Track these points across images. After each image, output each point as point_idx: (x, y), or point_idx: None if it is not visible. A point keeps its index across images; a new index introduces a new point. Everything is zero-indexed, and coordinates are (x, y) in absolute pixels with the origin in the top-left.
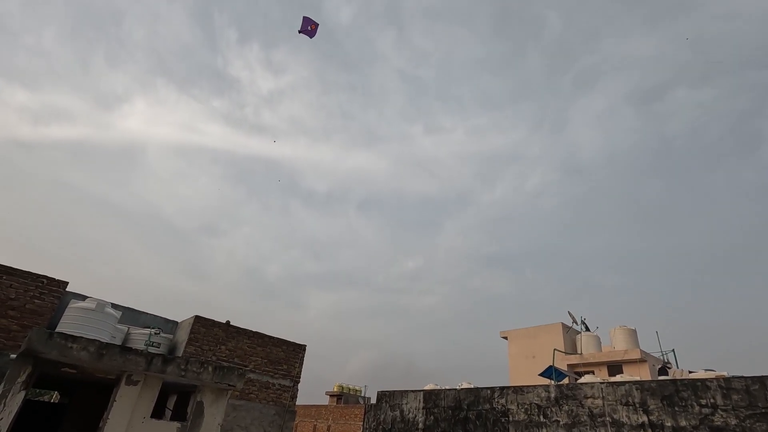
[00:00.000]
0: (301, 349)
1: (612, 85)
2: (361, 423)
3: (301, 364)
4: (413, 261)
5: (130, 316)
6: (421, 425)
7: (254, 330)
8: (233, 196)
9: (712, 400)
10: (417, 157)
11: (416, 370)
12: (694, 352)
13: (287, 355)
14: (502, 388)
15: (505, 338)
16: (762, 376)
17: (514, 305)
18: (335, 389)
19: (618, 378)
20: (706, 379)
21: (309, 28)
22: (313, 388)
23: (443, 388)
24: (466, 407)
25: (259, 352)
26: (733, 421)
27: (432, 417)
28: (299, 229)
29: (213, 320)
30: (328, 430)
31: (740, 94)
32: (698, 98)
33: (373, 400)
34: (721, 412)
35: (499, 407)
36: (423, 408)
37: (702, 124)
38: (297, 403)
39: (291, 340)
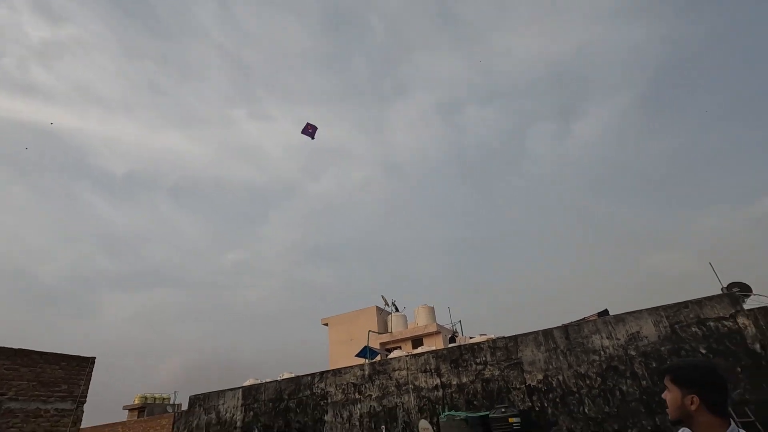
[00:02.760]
0: (87, 362)
1: (423, 95)
2: None
3: (88, 380)
4: (236, 254)
5: None
6: (239, 423)
7: (17, 347)
8: None
9: (484, 358)
10: (241, 143)
11: (239, 367)
12: (477, 319)
13: (68, 373)
14: (322, 373)
15: (326, 325)
16: (516, 336)
17: (337, 295)
18: (136, 401)
19: (419, 350)
20: (480, 343)
21: (309, 130)
22: (113, 404)
23: (264, 381)
24: (287, 397)
25: (25, 373)
26: (497, 372)
27: (251, 413)
28: (88, 219)
29: None
30: None
31: (510, 116)
32: (483, 115)
33: (186, 407)
34: (490, 367)
35: (319, 391)
36: (242, 405)
37: (486, 137)
38: (85, 425)
39: (74, 354)
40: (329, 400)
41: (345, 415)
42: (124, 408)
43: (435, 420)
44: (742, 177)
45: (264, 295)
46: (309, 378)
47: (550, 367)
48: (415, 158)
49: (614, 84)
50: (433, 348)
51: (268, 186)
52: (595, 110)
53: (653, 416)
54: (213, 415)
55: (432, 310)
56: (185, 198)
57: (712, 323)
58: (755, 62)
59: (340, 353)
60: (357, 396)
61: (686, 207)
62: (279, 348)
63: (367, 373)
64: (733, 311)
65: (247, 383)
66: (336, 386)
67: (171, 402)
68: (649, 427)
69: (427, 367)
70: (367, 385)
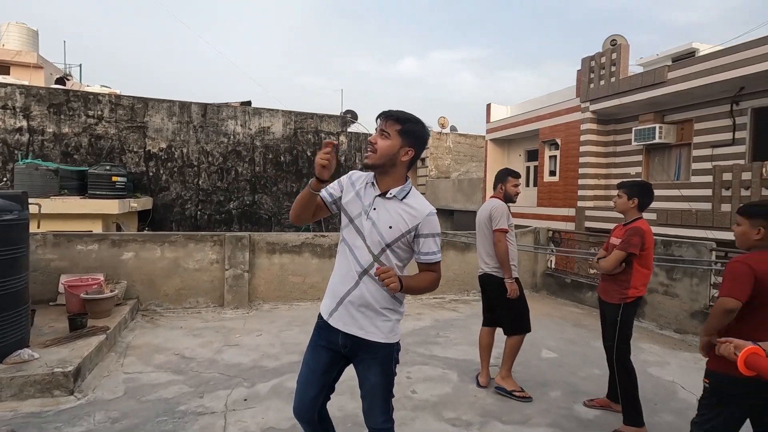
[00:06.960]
0: None
1: None
2: None
3: None
4: None
5: None
6: None
7: None
8: None
9: (99, 113)
10: None
11: None
12: (103, 70)
13: None
14: None
15: None
16: (147, 98)
17: None
18: None
19: (1, 79)
20: (100, 94)
21: None
22: None
23: None
24: None
25: None
26: (113, 131)
27: None
28: None
29: None
30: None
31: None
32: None
33: None
34: (105, 123)
35: None
36: None
37: None
38: None
39: None
40: None
41: None
42: None
43: (10, 167)
44: (396, 39)
45: None
46: None
47: (178, 138)
48: None
49: None
50: (26, 83)
51: None
52: None
53: (254, 194)
54: None
55: (35, 34)
56: None
57: (323, 134)
58: None
59: None
60: None
61: (350, 49)
62: None
63: None
64: (340, 130)
65: None
66: None
67: None
68: (247, 201)
69: (10, 104)
70: None
